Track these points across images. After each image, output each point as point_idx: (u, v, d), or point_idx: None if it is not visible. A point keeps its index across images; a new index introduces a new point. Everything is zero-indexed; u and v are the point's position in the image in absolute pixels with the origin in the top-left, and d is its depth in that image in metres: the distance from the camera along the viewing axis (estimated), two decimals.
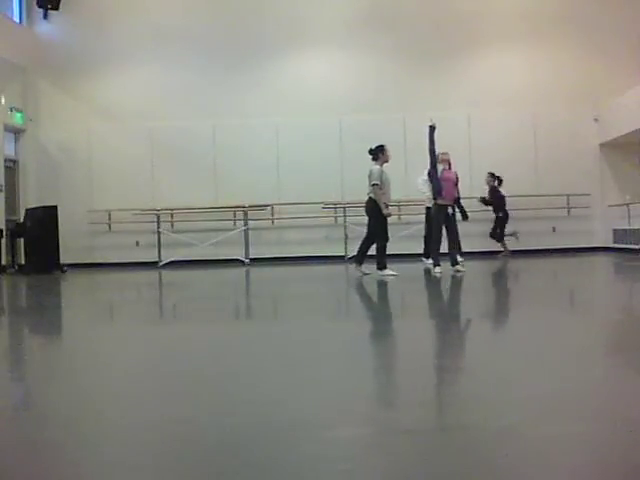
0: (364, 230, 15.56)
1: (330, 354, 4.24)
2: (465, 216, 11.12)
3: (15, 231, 15.01)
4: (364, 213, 10.72)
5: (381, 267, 10.17)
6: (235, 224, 16.32)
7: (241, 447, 2.36)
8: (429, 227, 11.50)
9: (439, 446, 2.33)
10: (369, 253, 10.62)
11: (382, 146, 10.49)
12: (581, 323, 5.60)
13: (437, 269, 10.18)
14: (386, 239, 10.37)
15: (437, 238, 10.52)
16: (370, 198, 10.40)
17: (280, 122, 16.28)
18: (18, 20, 16.97)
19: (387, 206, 10.39)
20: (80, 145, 16.74)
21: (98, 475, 2.20)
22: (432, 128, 10.53)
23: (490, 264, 13.10)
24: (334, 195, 16.11)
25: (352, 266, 10.80)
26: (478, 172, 15.33)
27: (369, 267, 10.37)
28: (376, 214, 10.32)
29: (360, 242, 10.83)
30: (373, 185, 10.26)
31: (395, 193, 16.01)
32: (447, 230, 10.58)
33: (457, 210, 10.86)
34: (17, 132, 16.48)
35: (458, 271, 10.27)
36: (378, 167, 10.35)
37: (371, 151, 10.50)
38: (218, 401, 3.07)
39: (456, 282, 9.32)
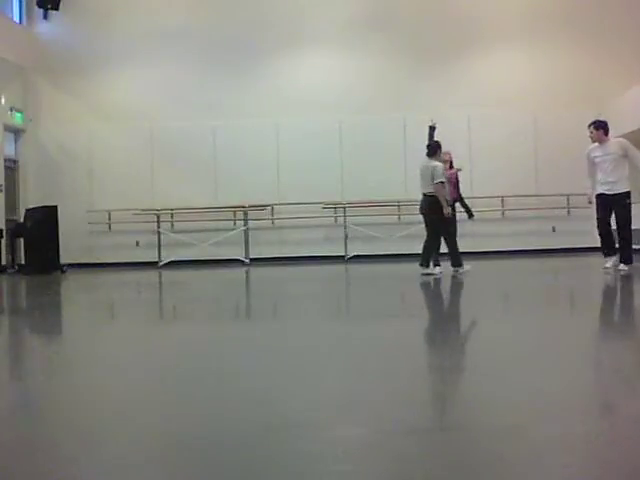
0: (364, 230, 15.68)
1: (330, 354, 4.24)
2: (470, 214, 11.06)
3: (15, 231, 15.01)
4: (423, 211, 10.12)
5: (431, 264, 9.99)
6: (235, 224, 16.33)
7: (240, 447, 2.36)
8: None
9: (439, 446, 2.33)
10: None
11: (439, 142, 10.12)
12: (582, 323, 5.59)
13: (437, 269, 10.15)
14: (440, 238, 10.11)
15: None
16: (430, 195, 9.95)
17: (280, 122, 16.29)
18: (18, 20, 16.98)
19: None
20: (80, 145, 16.75)
21: (98, 475, 2.20)
22: (432, 128, 10.49)
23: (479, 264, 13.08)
24: (334, 195, 16.11)
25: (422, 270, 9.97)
26: (478, 172, 15.34)
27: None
28: (439, 212, 9.88)
29: (424, 244, 10.14)
30: (440, 183, 9.89)
31: (395, 193, 16.15)
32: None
33: (460, 209, 10.84)
34: (17, 132, 16.49)
35: (457, 271, 10.24)
36: (441, 164, 10.04)
37: (430, 146, 10.07)
38: (217, 401, 3.07)
39: (456, 283, 9.31)
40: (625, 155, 9.42)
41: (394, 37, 16.53)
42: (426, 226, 10.21)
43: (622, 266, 9.30)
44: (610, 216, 9.52)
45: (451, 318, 6.17)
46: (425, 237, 10.14)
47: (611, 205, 9.45)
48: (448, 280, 9.46)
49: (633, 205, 14.07)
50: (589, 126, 9.74)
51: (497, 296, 8.06)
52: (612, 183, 9.44)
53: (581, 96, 15.91)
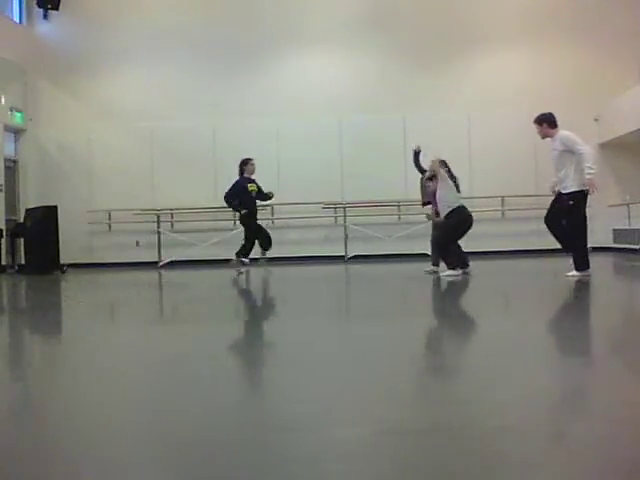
0: (364, 230, 15.66)
1: (330, 354, 4.24)
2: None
3: (15, 231, 15.02)
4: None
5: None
6: (235, 224, 16.32)
7: (240, 447, 2.36)
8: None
9: (439, 446, 2.33)
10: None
11: None
12: (581, 323, 5.60)
13: (433, 268, 10.16)
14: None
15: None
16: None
17: (280, 122, 16.28)
18: (18, 20, 16.98)
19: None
20: (80, 145, 16.75)
21: (97, 475, 2.20)
22: (416, 153, 10.41)
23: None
24: (334, 195, 16.10)
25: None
26: (478, 172, 15.34)
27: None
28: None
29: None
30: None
31: (395, 193, 16.14)
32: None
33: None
34: (17, 132, 16.49)
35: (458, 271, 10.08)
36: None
37: None
38: (217, 401, 3.07)
39: (458, 284, 9.30)
40: (568, 150, 8.61)
41: (395, 37, 16.52)
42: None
43: (573, 272, 8.69)
44: (557, 214, 9.02)
45: (451, 318, 6.17)
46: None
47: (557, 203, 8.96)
48: (445, 281, 9.45)
49: (631, 206, 13.84)
50: (534, 122, 9.04)
51: (499, 297, 8.06)
52: (560, 180, 8.84)
53: (581, 96, 15.90)
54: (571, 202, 8.70)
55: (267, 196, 11.93)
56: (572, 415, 2.69)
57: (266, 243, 11.93)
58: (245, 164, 11.77)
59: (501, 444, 2.35)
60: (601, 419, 2.63)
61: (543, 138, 9.07)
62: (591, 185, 8.64)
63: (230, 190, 11.67)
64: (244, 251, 11.74)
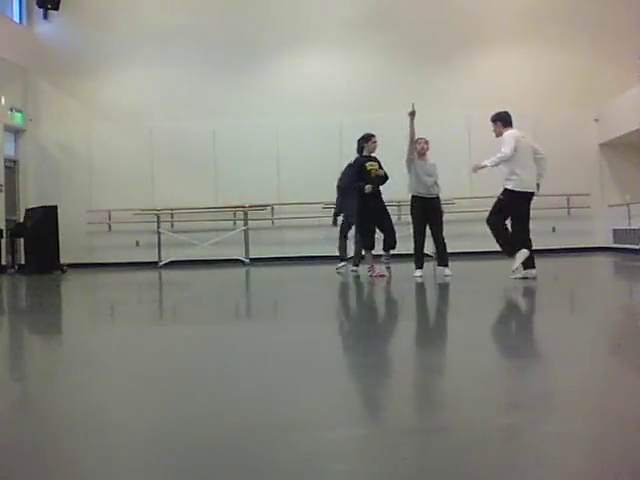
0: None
1: (330, 354, 4.24)
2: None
3: (15, 231, 15.02)
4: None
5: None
6: (235, 224, 16.33)
7: (241, 447, 2.36)
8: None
9: (439, 446, 2.33)
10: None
11: None
12: (581, 323, 5.59)
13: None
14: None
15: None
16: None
17: (280, 122, 16.28)
18: (18, 20, 16.98)
19: None
20: (80, 145, 16.75)
21: (97, 475, 2.20)
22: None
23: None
24: (334, 195, 16.06)
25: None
26: (478, 172, 15.30)
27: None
28: None
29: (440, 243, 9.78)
30: None
31: (395, 193, 16.09)
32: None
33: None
34: (17, 132, 16.49)
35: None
36: None
37: None
38: (218, 401, 3.07)
39: (445, 287, 9.29)
40: None
41: (394, 37, 16.52)
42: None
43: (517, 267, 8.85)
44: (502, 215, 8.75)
45: (446, 318, 6.17)
46: (442, 237, 9.83)
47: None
48: (432, 281, 9.44)
49: (631, 206, 13.81)
50: (490, 120, 8.94)
51: (492, 298, 8.05)
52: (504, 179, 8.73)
53: (581, 96, 15.90)
54: (501, 197, 8.72)
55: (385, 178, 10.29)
56: (571, 414, 2.69)
57: (389, 242, 10.22)
58: (367, 140, 10.20)
59: (503, 444, 2.35)
60: (597, 418, 2.63)
61: (497, 137, 8.89)
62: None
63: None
64: (389, 251, 10.18)
